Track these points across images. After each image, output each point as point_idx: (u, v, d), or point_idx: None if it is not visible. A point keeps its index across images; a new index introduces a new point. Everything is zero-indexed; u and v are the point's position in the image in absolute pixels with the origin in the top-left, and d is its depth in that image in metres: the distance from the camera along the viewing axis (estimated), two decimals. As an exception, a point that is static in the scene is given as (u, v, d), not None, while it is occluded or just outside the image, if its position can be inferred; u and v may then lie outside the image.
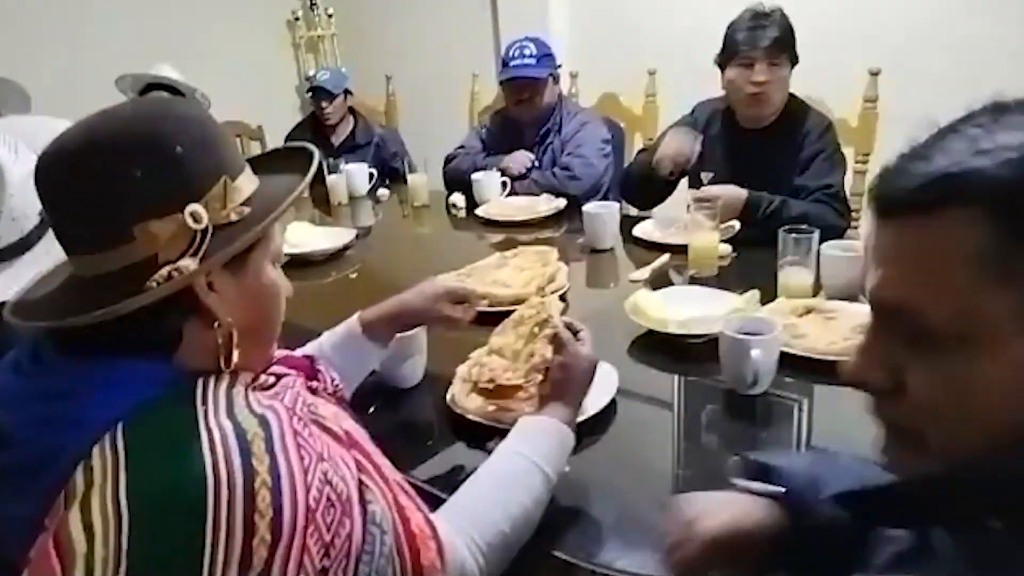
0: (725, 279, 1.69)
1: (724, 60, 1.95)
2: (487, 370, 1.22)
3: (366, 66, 3.90)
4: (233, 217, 0.73)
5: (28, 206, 1.16)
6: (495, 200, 2.44)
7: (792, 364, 1.24)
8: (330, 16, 4.34)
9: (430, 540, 0.78)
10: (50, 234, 1.18)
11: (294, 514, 0.63)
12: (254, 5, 4.15)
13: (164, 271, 0.68)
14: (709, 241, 1.70)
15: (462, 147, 2.75)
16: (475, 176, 2.49)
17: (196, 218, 0.69)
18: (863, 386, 0.54)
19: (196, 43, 3.67)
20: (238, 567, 0.61)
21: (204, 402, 0.67)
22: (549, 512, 0.95)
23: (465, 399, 1.19)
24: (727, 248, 1.80)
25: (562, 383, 1.04)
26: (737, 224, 1.89)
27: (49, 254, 1.18)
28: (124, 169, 0.68)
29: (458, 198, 2.49)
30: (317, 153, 0.84)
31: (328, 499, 0.67)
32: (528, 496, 0.91)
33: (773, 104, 1.95)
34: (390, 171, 3.02)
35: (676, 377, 1.33)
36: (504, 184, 2.48)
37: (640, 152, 2.29)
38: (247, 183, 0.76)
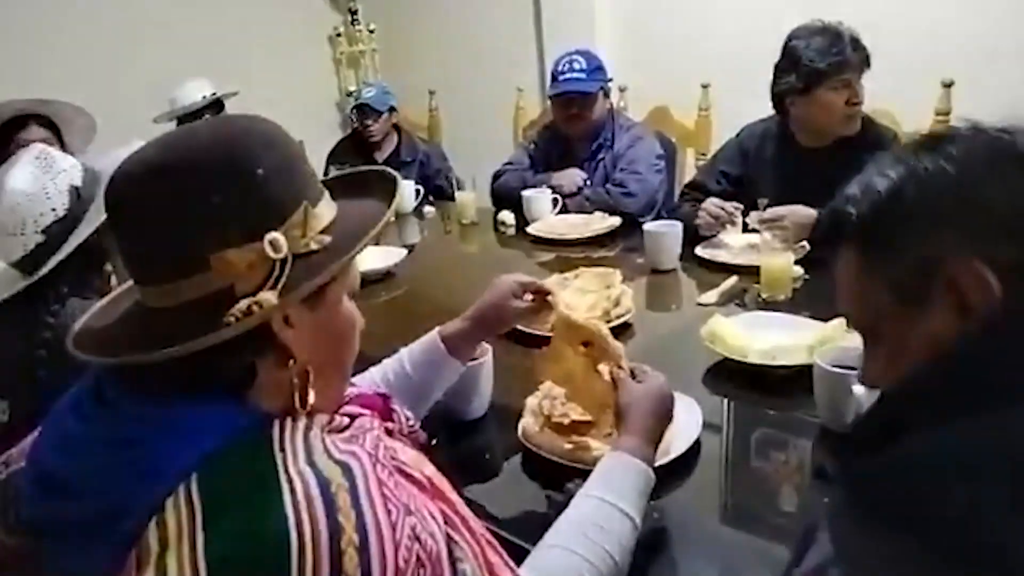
0: (800, 303, 1.60)
1: (809, 83, 1.83)
2: (559, 403, 1.15)
3: (407, 81, 3.86)
4: (313, 246, 0.67)
5: (26, 222, 1.19)
6: (546, 218, 2.37)
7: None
8: (371, 31, 4.33)
9: (505, 569, 0.71)
10: (58, 255, 1.20)
11: (383, 571, 0.58)
12: (296, 21, 4.16)
13: (243, 304, 0.62)
14: (783, 263, 1.61)
15: (510, 163, 2.68)
16: (525, 193, 2.42)
17: (276, 247, 0.64)
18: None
19: (238, 58, 3.69)
20: None
21: (282, 449, 0.62)
22: (653, 557, 0.89)
23: (538, 434, 1.11)
24: (799, 270, 1.71)
25: (631, 420, 0.97)
26: (807, 246, 1.80)
27: None
28: (201, 193, 0.63)
29: (507, 215, 2.43)
30: (399, 178, 0.79)
31: (418, 558, 0.61)
32: (617, 546, 0.84)
33: (859, 121, 1.87)
34: (434, 188, 2.97)
35: (758, 410, 1.25)
36: (555, 201, 2.41)
37: (686, 196, 2.19)
38: (327, 210, 0.71)
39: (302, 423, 0.65)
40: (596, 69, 2.43)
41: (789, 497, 1.06)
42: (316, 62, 4.35)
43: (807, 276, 1.71)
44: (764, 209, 1.85)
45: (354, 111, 3.09)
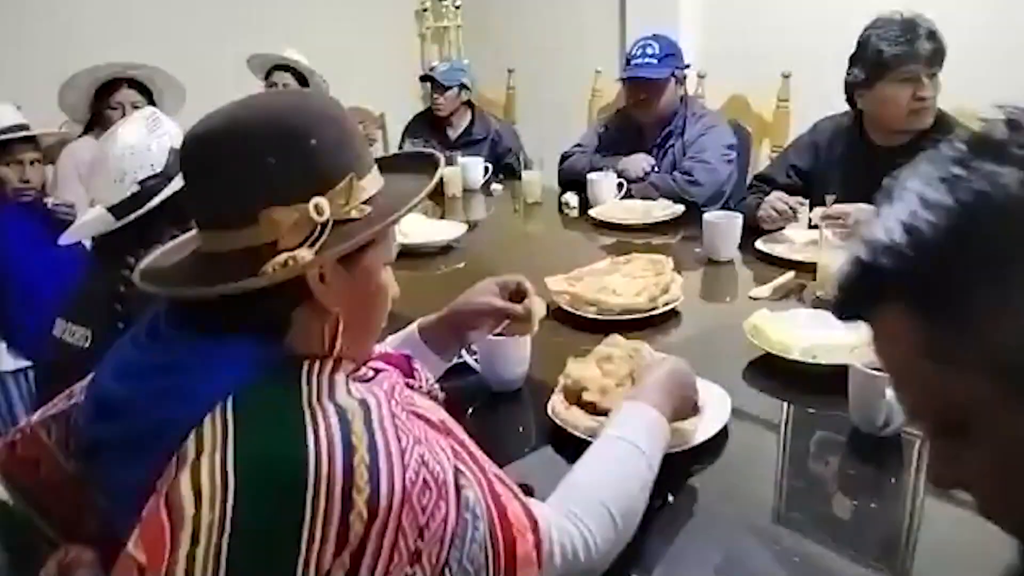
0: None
1: (873, 75, 1.78)
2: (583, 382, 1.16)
3: (488, 59, 3.89)
4: (354, 214, 0.74)
5: (128, 171, 1.35)
6: (610, 202, 2.37)
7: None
8: (457, 7, 4.38)
9: (528, 532, 0.76)
10: (148, 206, 1.34)
11: (391, 492, 0.64)
12: (384, -2, 4.24)
13: (281, 258, 0.70)
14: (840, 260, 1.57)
15: (579, 145, 2.69)
16: (591, 176, 2.43)
17: (319, 210, 0.71)
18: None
19: (326, 30, 3.78)
20: (335, 540, 0.62)
21: (308, 383, 0.69)
22: (648, 541, 0.90)
23: (566, 411, 1.14)
24: (859, 270, 1.66)
25: (647, 382, 1.03)
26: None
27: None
28: (258, 155, 0.71)
29: (571, 197, 2.44)
30: (442, 161, 0.85)
31: (424, 481, 0.67)
32: (635, 481, 0.89)
33: (931, 118, 1.79)
34: (505, 167, 3.00)
35: (795, 408, 1.24)
36: (620, 185, 2.41)
37: (753, 188, 2.14)
38: (372, 183, 0.78)
39: (329, 366, 0.72)
40: (668, 55, 2.40)
41: (813, 495, 1.06)
42: (401, 36, 4.42)
43: (868, 277, 1.66)
44: (829, 205, 1.80)
45: (428, 82, 3.16)
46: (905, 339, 0.46)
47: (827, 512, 1.02)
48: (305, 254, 0.70)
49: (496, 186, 2.81)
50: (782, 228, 1.94)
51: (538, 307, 1.21)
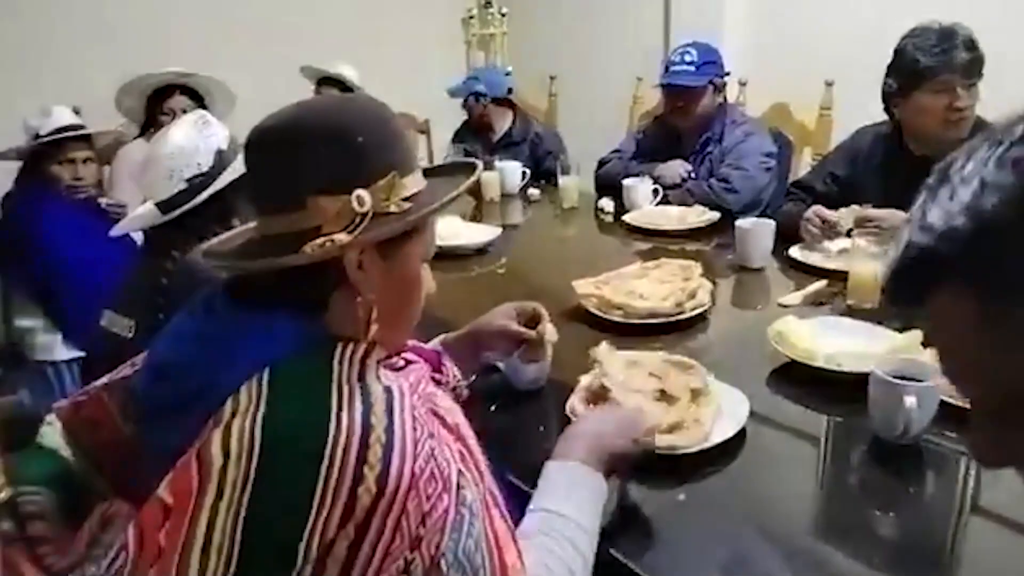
0: (884, 312, 1.54)
1: (908, 85, 1.76)
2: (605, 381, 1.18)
3: (532, 65, 3.93)
4: (393, 208, 0.79)
5: (178, 169, 1.39)
6: (645, 207, 2.37)
7: (957, 417, 1.10)
8: (503, 15, 4.43)
9: (512, 543, 0.80)
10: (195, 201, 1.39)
11: (400, 474, 0.68)
12: (431, 4, 4.31)
13: (319, 240, 0.75)
14: (873, 269, 1.55)
15: (617, 151, 2.70)
16: (626, 182, 2.44)
17: (360, 202, 0.77)
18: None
19: (374, 37, 3.87)
20: (342, 510, 0.66)
21: (340, 363, 0.74)
22: (656, 538, 0.92)
23: (584, 411, 1.15)
24: (894, 279, 1.64)
25: (573, 427, 0.99)
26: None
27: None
28: (310, 148, 0.77)
29: (607, 203, 2.45)
30: (480, 167, 0.91)
31: (432, 473, 0.71)
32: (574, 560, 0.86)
33: (968, 129, 1.76)
34: (545, 171, 3.02)
35: (816, 414, 1.23)
36: (656, 191, 2.41)
37: (791, 196, 2.13)
38: (414, 182, 0.83)
39: (362, 350, 0.77)
40: (707, 63, 2.40)
41: (829, 501, 1.06)
42: (448, 44, 4.49)
43: (903, 286, 1.64)
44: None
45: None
46: (964, 319, 0.46)
47: (842, 518, 1.01)
48: (341, 236, 0.75)
49: (533, 191, 2.83)
50: (823, 240, 1.90)
51: (550, 334, 1.24)
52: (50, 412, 0.94)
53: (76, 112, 2.48)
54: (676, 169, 2.44)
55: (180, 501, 0.68)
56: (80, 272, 2.19)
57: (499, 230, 2.26)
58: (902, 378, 1.05)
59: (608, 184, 2.57)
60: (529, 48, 4.29)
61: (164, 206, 1.41)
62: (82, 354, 2.37)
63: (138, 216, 1.47)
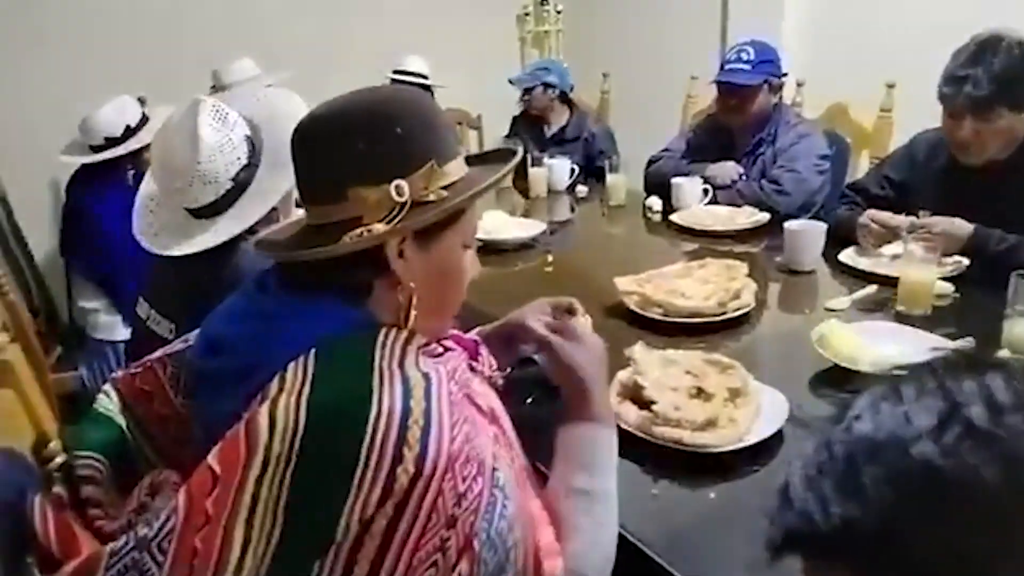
0: (939, 321, 1.50)
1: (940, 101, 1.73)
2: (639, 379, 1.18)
3: (586, 62, 3.91)
4: (431, 197, 0.81)
5: (220, 171, 1.31)
6: (694, 207, 2.35)
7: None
8: (559, 12, 4.42)
9: (547, 526, 0.81)
10: (241, 200, 1.34)
11: (437, 455, 0.70)
12: (490, 1, 4.34)
13: (358, 230, 0.78)
14: (925, 276, 1.51)
15: (667, 150, 2.67)
16: (675, 180, 2.41)
17: (399, 192, 0.79)
18: None
19: (429, 33, 3.89)
20: (382, 489, 0.69)
21: (382, 348, 0.77)
22: (686, 534, 0.92)
23: (619, 406, 1.16)
24: (948, 287, 1.59)
25: (575, 387, 0.97)
26: (965, 261, 1.67)
27: (239, 218, 1.33)
28: (350, 140, 0.80)
29: (655, 201, 2.43)
30: (519, 152, 0.91)
31: (467, 456, 0.73)
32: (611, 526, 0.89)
33: (986, 154, 1.71)
34: (597, 168, 3.02)
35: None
36: (705, 191, 2.38)
37: (844, 199, 2.08)
38: (455, 170, 0.85)
39: (403, 336, 0.80)
40: (764, 62, 2.36)
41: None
42: (503, 40, 4.51)
43: (957, 294, 1.59)
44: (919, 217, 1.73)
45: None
46: None
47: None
48: (379, 226, 0.78)
49: (582, 188, 2.83)
50: (882, 244, 1.85)
51: (583, 327, 1.22)
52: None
53: (141, 102, 2.57)
54: (728, 170, 2.41)
55: (227, 471, 0.71)
56: (137, 261, 2.26)
57: (544, 225, 2.27)
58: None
59: (658, 183, 2.55)
60: (583, 45, 4.28)
61: (215, 208, 1.33)
62: (138, 334, 2.48)
63: (197, 240, 1.33)
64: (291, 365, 0.75)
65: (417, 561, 0.70)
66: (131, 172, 2.38)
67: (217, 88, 2.70)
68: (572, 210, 2.73)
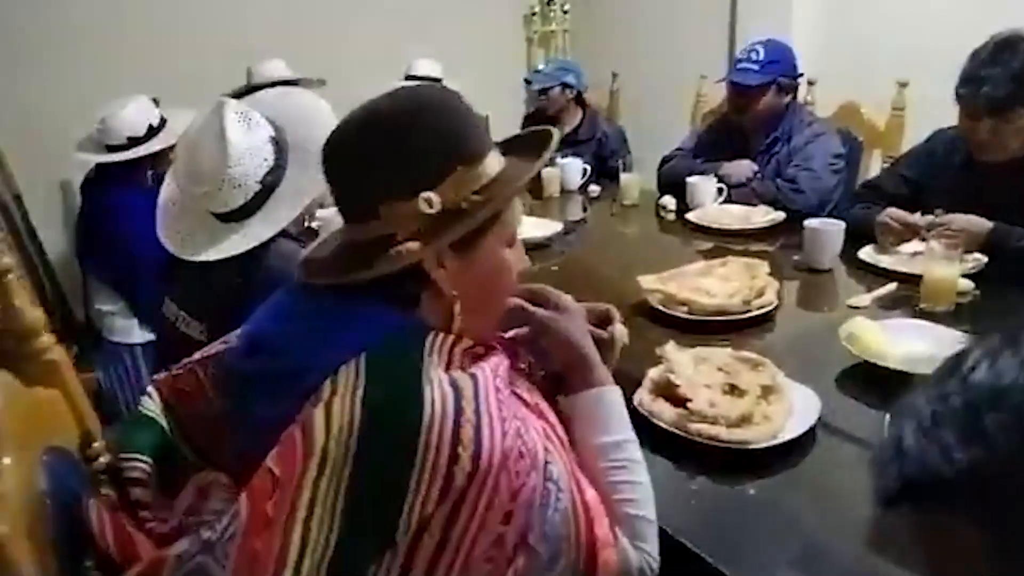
0: (961, 317, 1.51)
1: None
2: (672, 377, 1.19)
3: (594, 62, 3.92)
4: (464, 205, 0.80)
5: (249, 175, 1.31)
6: (708, 206, 2.36)
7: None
8: (565, 12, 4.43)
9: (603, 517, 0.81)
10: (269, 202, 1.34)
11: (491, 453, 0.71)
12: (494, 1, 4.34)
13: (392, 251, 0.78)
14: (948, 273, 1.52)
15: (680, 149, 2.68)
16: (690, 179, 2.42)
17: (428, 203, 0.78)
18: None
19: (434, 33, 3.90)
20: (440, 488, 0.70)
21: (430, 353, 0.78)
22: (727, 529, 0.93)
23: (652, 403, 1.17)
24: (969, 284, 1.60)
25: (576, 357, 0.96)
26: (984, 258, 1.68)
27: (271, 221, 1.34)
28: (370, 159, 0.80)
29: (668, 200, 2.44)
30: (556, 133, 0.88)
31: (520, 452, 0.74)
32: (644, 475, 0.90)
33: (1006, 153, 1.72)
34: (608, 169, 3.03)
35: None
36: (720, 190, 2.39)
37: (860, 197, 2.09)
38: (488, 168, 0.82)
39: (450, 340, 0.80)
40: (772, 62, 2.36)
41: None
42: (509, 40, 4.52)
43: (977, 291, 1.61)
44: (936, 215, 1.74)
45: (530, 86, 3.27)
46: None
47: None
48: (413, 246, 0.78)
49: (594, 187, 2.84)
50: (902, 242, 1.85)
51: (621, 335, 1.23)
52: (143, 391, 0.99)
53: (155, 103, 2.57)
54: (743, 169, 2.42)
55: (286, 473, 0.72)
56: (155, 262, 2.25)
57: (559, 225, 2.28)
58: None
59: (672, 182, 2.56)
60: (591, 45, 4.29)
61: (238, 213, 1.34)
62: (154, 337, 2.47)
63: (226, 243, 1.33)
64: (342, 368, 0.75)
65: (475, 557, 0.72)
66: (150, 173, 2.38)
67: (250, 88, 2.70)
68: (584, 210, 2.73)
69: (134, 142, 2.33)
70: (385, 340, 0.77)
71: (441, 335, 0.80)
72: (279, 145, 1.36)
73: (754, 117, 2.42)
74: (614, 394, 0.94)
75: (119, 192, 2.36)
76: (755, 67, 2.36)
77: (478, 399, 0.74)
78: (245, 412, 0.86)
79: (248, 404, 0.85)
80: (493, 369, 0.80)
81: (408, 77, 3.26)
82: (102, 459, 0.97)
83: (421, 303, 0.82)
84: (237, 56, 2.92)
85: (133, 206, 2.31)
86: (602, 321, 1.23)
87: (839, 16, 3.18)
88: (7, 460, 0.69)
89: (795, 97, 2.49)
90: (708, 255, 2.03)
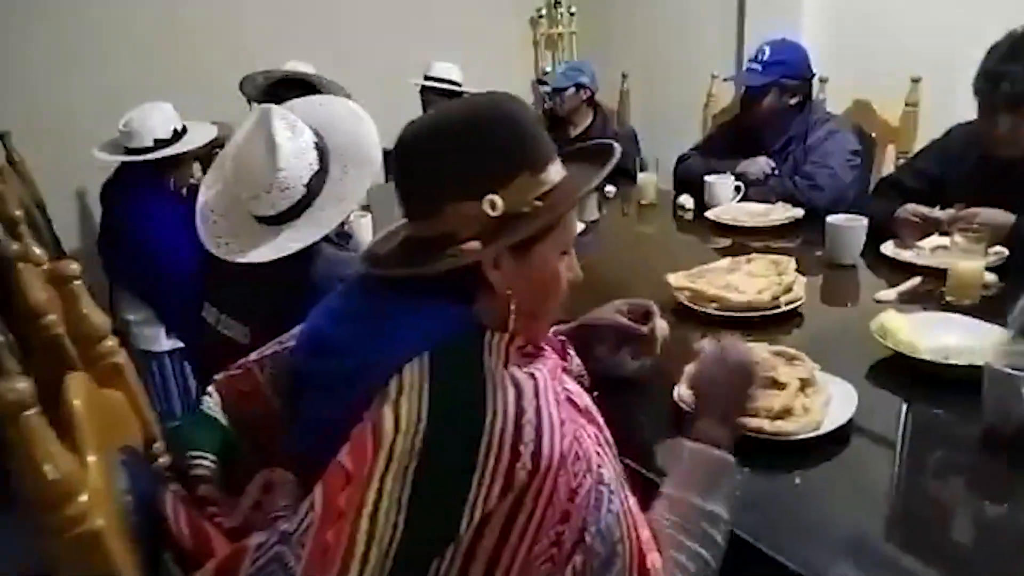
0: (987, 310, 1.52)
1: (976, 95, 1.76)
2: None
3: (601, 64, 3.94)
4: (525, 209, 0.82)
5: (296, 179, 1.34)
6: (727, 204, 2.38)
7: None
8: (572, 14, 4.46)
9: (644, 521, 0.84)
10: (313, 206, 1.37)
11: (551, 453, 0.74)
12: (501, 4, 4.37)
13: (453, 249, 0.80)
14: (975, 267, 1.55)
15: (696, 148, 2.71)
16: (708, 178, 2.45)
17: (493, 206, 0.80)
18: None
19: (444, 38, 3.93)
20: (501, 485, 0.72)
21: (490, 351, 0.80)
22: (778, 518, 0.96)
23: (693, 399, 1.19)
24: (993, 277, 1.63)
25: (705, 399, 1.01)
26: (1006, 252, 1.71)
27: (319, 224, 1.36)
28: (442, 159, 0.83)
29: (686, 199, 2.47)
30: (618, 151, 0.91)
31: (576, 453, 0.76)
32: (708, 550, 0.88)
33: (1022, 148, 1.74)
34: (620, 169, 3.04)
35: (923, 407, 1.24)
36: (738, 189, 2.42)
37: (879, 192, 2.12)
38: (550, 176, 0.85)
39: (506, 339, 0.82)
40: (776, 63, 2.39)
41: (940, 492, 1.07)
42: (517, 43, 4.55)
43: (1002, 283, 1.63)
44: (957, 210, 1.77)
45: (543, 87, 3.28)
46: None
47: (959, 507, 1.04)
48: (474, 246, 0.80)
49: (609, 188, 2.86)
50: (925, 237, 1.88)
51: (663, 330, 1.25)
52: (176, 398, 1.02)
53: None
54: (760, 165, 2.44)
55: (357, 468, 0.74)
56: (183, 270, 2.25)
57: (582, 226, 2.30)
58: (1017, 369, 1.05)
59: (689, 181, 2.58)
60: (599, 47, 4.32)
61: (285, 216, 1.36)
62: (181, 345, 2.50)
63: (273, 246, 1.35)
64: (407, 367, 0.78)
65: (534, 555, 0.74)
66: (172, 179, 2.42)
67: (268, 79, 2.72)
68: (600, 210, 2.75)
69: (161, 144, 2.35)
70: (447, 339, 0.80)
71: (498, 334, 0.82)
72: (321, 150, 1.39)
73: (758, 117, 2.46)
74: (730, 467, 0.93)
75: (142, 198, 2.39)
76: (759, 68, 2.40)
77: (538, 399, 0.76)
78: (308, 410, 0.89)
79: (312, 403, 0.88)
80: (551, 371, 0.83)
81: (427, 78, 3.27)
82: (162, 459, 1.00)
83: (477, 301, 0.85)
84: (242, 58, 2.94)
85: (158, 213, 2.35)
86: (642, 317, 1.26)
87: (848, 11, 3.20)
88: (92, 458, 0.71)
89: (809, 97, 2.51)
90: (728, 253, 2.05)
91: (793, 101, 2.46)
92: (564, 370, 0.94)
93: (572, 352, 1.07)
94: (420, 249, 0.84)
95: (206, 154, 2.72)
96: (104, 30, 3.06)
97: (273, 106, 1.37)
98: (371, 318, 0.85)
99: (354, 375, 0.81)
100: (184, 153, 2.41)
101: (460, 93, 3.25)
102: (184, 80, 2.99)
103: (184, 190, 2.50)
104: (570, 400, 0.84)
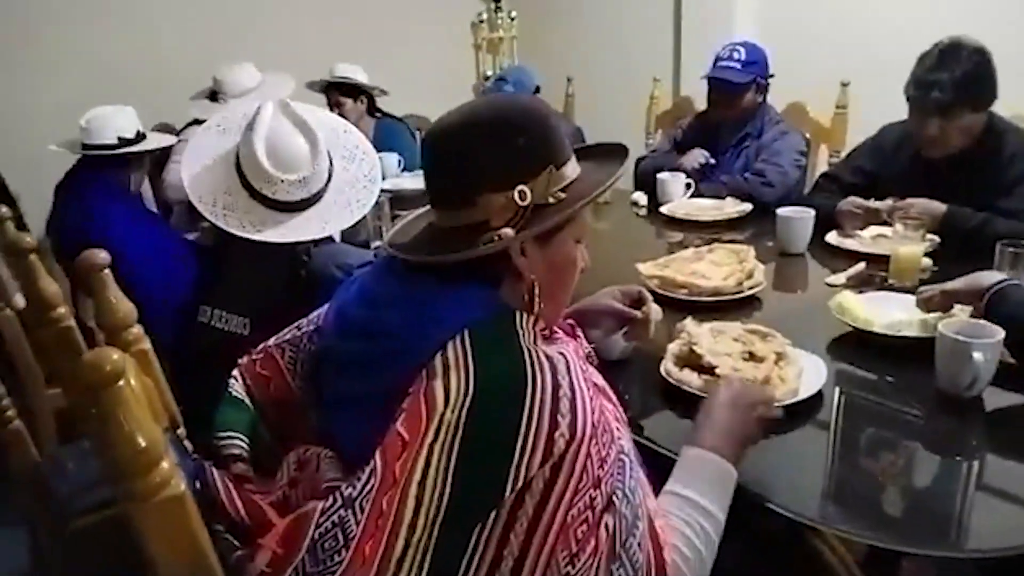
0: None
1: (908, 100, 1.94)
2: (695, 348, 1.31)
3: (542, 68, 4.05)
4: (551, 200, 0.89)
5: (325, 168, 1.41)
6: (679, 200, 2.51)
7: (1014, 373, 1.26)
8: (512, 19, 4.54)
9: (651, 493, 0.92)
10: (327, 195, 1.43)
11: (585, 422, 0.79)
12: (441, 8, 4.43)
13: (489, 235, 0.87)
14: (914, 252, 1.70)
15: (654, 151, 2.85)
16: (660, 175, 2.57)
17: (523, 196, 0.87)
18: None
19: (384, 41, 3.97)
20: (542, 452, 0.77)
21: (522, 327, 0.86)
22: (765, 466, 1.07)
23: (679, 373, 1.28)
24: (927, 261, 1.79)
25: (713, 418, 1.02)
26: (937, 239, 1.88)
27: (338, 206, 1.41)
28: (477, 152, 0.89)
29: (640, 196, 2.59)
30: (629, 151, 0.99)
31: (604, 425, 0.83)
32: (705, 548, 0.91)
33: (951, 148, 1.92)
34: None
35: (878, 376, 1.37)
36: (688, 185, 2.55)
37: (820, 187, 2.29)
38: (570, 170, 0.93)
39: (532, 319, 0.88)
40: (753, 63, 2.54)
41: (900, 449, 1.20)
42: (458, 48, 4.60)
43: (936, 268, 1.79)
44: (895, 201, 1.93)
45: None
46: None
47: (923, 458, 1.17)
48: (508, 232, 0.87)
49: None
50: (866, 226, 2.03)
51: (656, 313, 1.34)
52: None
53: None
54: (695, 155, 2.60)
55: (412, 437, 0.79)
56: (146, 269, 2.18)
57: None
58: (966, 335, 1.19)
59: (644, 181, 2.70)
60: (541, 51, 4.42)
61: (307, 202, 1.40)
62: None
63: (283, 228, 1.39)
64: (449, 345, 0.83)
65: (571, 518, 0.80)
66: (132, 181, 2.38)
67: (218, 94, 2.71)
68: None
69: (125, 143, 2.31)
70: (484, 317, 0.85)
71: (525, 314, 0.88)
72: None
73: (733, 113, 2.59)
74: (731, 476, 0.96)
75: (102, 198, 2.31)
76: (738, 66, 2.53)
77: (571, 374, 0.82)
78: (344, 389, 0.92)
79: (348, 382, 0.92)
80: (575, 350, 0.90)
81: (332, 77, 3.33)
82: (186, 443, 1.02)
83: (503, 284, 0.91)
84: (186, 59, 2.94)
85: (118, 218, 2.28)
86: (635, 302, 1.35)
87: (779, 18, 3.40)
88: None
89: (765, 97, 2.67)
90: (681, 246, 2.17)
91: (760, 100, 2.62)
92: (578, 353, 1.00)
93: (581, 334, 1.13)
94: (452, 237, 0.90)
95: (156, 160, 2.69)
96: (73, 24, 3.02)
97: (288, 101, 1.43)
98: (408, 300, 0.89)
99: (399, 355, 0.85)
100: (148, 152, 2.36)
101: (367, 91, 3.32)
102: (150, 80, 2.94)
103: (140, 195, 2.47)
104: (586, 378, 0.89)
